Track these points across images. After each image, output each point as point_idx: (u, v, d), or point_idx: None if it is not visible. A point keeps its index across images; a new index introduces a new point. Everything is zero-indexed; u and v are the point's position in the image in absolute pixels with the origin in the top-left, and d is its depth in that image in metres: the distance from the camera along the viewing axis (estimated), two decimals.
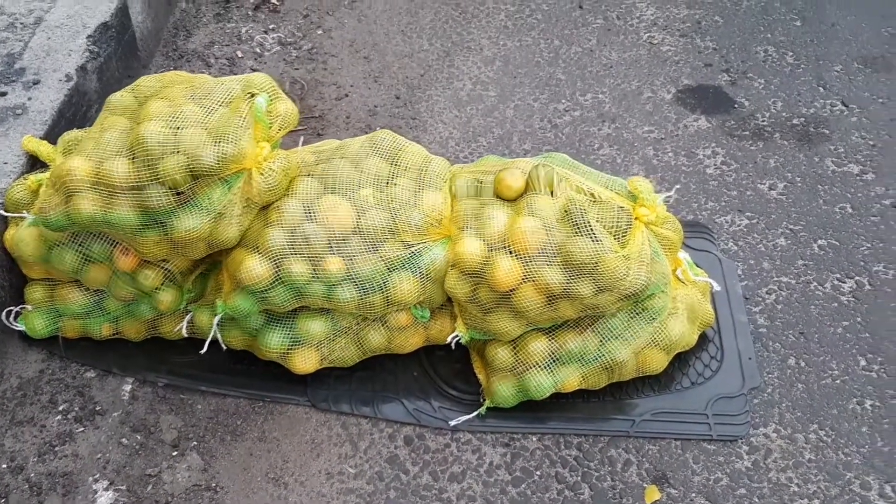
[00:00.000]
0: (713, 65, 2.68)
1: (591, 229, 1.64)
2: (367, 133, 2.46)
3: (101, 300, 1.88)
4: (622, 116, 2.53)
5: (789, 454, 1.72)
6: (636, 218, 1.72)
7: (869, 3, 2.86)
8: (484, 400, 1.81)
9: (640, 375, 1.82)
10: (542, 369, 1.75)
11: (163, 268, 1.79)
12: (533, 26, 2.87)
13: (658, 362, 1.80)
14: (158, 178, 1.59)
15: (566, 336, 1.75)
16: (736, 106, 2.53)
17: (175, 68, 2.75)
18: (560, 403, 1.81)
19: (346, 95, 2.64)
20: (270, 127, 1.73)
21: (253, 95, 1.71)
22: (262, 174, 1.67)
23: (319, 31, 2.88)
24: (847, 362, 1.88)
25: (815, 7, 2.85)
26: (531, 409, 1.79)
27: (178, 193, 1.62)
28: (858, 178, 2.30)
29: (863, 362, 1.88)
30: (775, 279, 2.06)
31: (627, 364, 1.78)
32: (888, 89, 2.56)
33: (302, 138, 2.23)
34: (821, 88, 2.58)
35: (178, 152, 1.59)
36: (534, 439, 1.77)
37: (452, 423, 1.78)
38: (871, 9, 2.84)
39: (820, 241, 2.14)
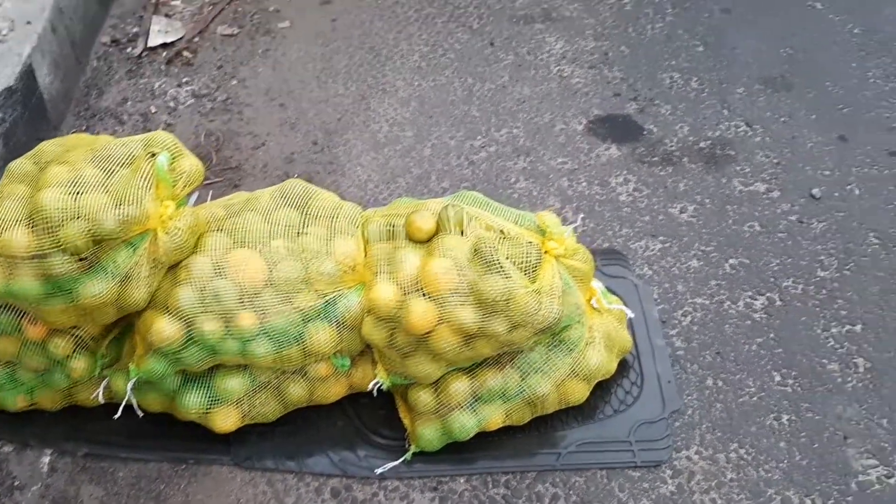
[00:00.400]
0: (622, 94, 2.74)
1: (502, 266, 1.65)
2: (284, 181, 2.46)
3: (13, 372, 1.82)
4: (536, 149, 2.57)
5: (711, 475, 1.75)
6: (545, 252, 1.74)
7: (767, 27, 2.97)
8: (410, 445, 1.80)
9: (564, 407, 1.83)
10: (464, 409, 1.75)
11: (73, 335, 1.75)
12: (446, 65, 2.91)
13: (579, 393, 1.82)
14: (60, 246, 1.56)
15: (486, 374, 1.76)
16: (645, 133, 2.60)
17: (87, 128, 2.72)
18: (486, 442, 1.81)
19: (263, 144, 2.64)
20: (175, 185, 1.71)
21: (154, 155, 1.69)
22: (167, 233, 1.65)
23: (234, 82, 2.88)
24: (763, 379, 1.92)
25: (716, 33, 2.95)
26: (458, 451, 1.78)
27: (81, 259, 1.59)
28: (765, 196, 2.37)
29: (777, 377, 1.92)
30: (690, 301, 2.10)
31: (549, 397, 1.79)
32: (789, 108, 2.65)
33: (211, 192, 2.21)
34: (725, 111, 2.66)
35: (78, 218, 1.57)
36: (461, 481, 1.77)
37: (378, 471, 1.77)
38: (769, 31, 2.95)
39: (731, 261, 2.19)
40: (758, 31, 2.95)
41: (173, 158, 1.72)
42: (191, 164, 1.76)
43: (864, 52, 2.83)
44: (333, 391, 1.84)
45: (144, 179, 1.64)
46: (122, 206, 1.59)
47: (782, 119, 2.61)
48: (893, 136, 2.53)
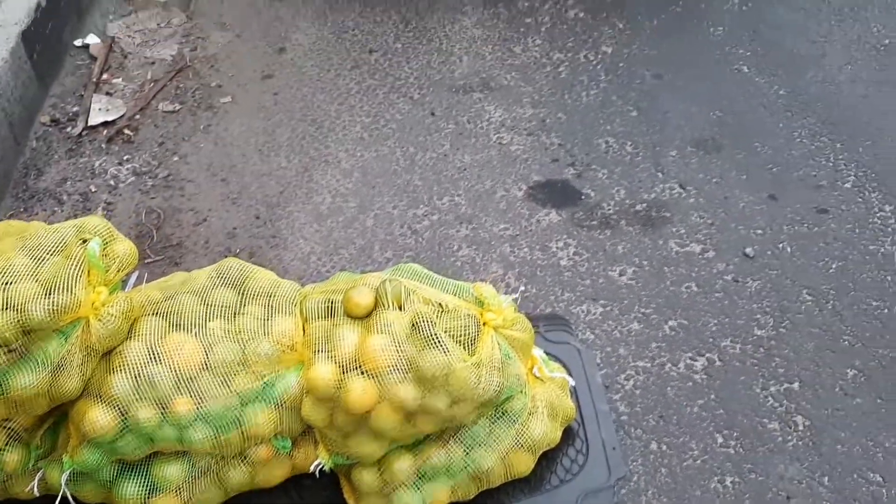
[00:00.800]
0: (560, 159, 2.80)
1: (440, 341, 1.65)
2: (226, 257, 2.45)
3: None
4: (478, 216, 2.60)
5: None
6: (484, 323, 1.75)
7: (697, 91, 3.07)
8: None
9: (510, 479, 1.82)
10: (409, 488, 1.73)
11: (5, 427, 1.69)
12: (388, 136, 2.95)
13: (525, 464, 1.81)
14: None
15: (430, 450, 1.74)
16: (583, 197, 2.65)
17: (25, 209, 2.68)
18: None
19: (205, 220, 2.63)
20: (107, 270, 1.69)
21: (86, 241, 1.67)
22: (100, 320, 1.62)
23: (175, 158, 2.88)
24: (706, 441, 1.93)
25: (649, 98, 3.04)
26: None
27: (9, 351, 1.56)
28: (700, 256, 2.42)
29: (720, 439, 1.94)
30: (632, 364, 2.12)
31: (495, 470, 1.77)
32: (720, 169, 2.73)
33: (146, 274, 2.18)
34: (659, 173, 2.73)
35: (6, 309, 1.53)
36: None
37: None
38: (698, 95, 3.05)
39: (671, 322, 2.23)
40: (688, 95, 3.05)
41: (106, 243, 1.71)
42: (124, 249, 1.74)
43: (790, 113, 2.94)
44: (276, 474, 1.80)
45: (76, 267, 1.62)
46: (52, 295, 1.56)
47: (714, 180, 2.69)
48: (821, 194, 2.62)
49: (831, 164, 2.72)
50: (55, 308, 1.55)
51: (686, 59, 3.21)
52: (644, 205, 2.61)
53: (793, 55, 3.20)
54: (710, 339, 2.18)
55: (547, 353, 1.98)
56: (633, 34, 3.33)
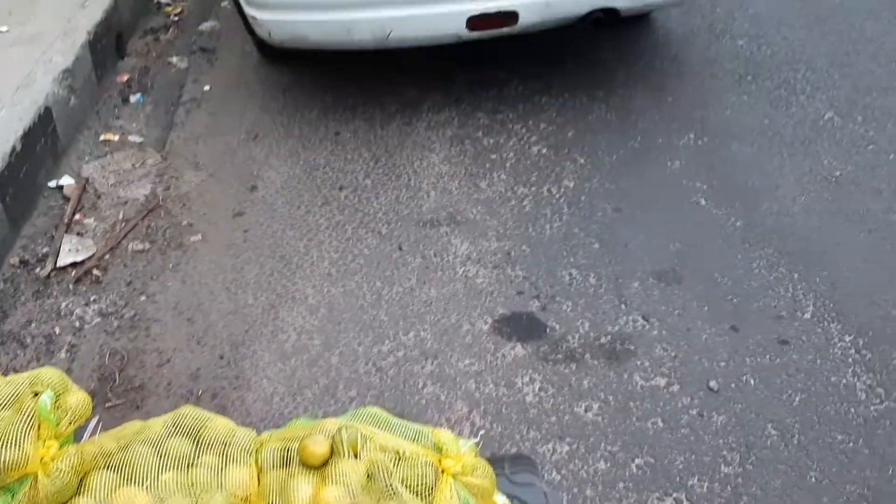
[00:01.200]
0: (524, 292, 2.84)
1: (395, 492, 1.62)
2: (188, 400, 2.43)
3: None
4: (444, 351, 2.60)
5: None
6: (442, 471, 1.72)
7: (656, 223, 3.15)
8: None
9: None
10: None
11: None
12: (356, 271, 2.98)
13: None
14: None
15: None
16: (548, 330, 2.67)
17: None
18: None
19: (168, 361, 2.61)
20: (59, 423, 1.67)
21: (38, 394, 1.66)
22: (48, 476, 1.59)
23: (143, 298, 2.88)
24: None
25: (610, 230, 3.11)
26: None
27: None
28: (665, 390, 2.42)
29: None
30: None
31: None
32: (681, 300, 2.77)
33: (101, 422, 2.15)
34: (623, 305, 2.76)
35: None
36: None
37: None
38: (658, 227, 3.12)
39: (637, 461, 2.20)
40: (648, 227, 3.12)
41: (59, 395, 1.69)
42: (77, 400, 1.72)
43: (748, 245, 3.01)
44: None
45: (25, 421, 1.60)
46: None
47: (676, 312, 2.72)
48: (781, 325, 2.65)
49: (790, 295, 2.76)
50: (2, 465, 1.52)
51: (645, 192, 3.31)
52: (608, 337, 2.63)
53: (748, 188, 3.30)
54: (678, 478, 2.15)
55: (513, 496, 1.94)
56: (593, 169, 3.44)
